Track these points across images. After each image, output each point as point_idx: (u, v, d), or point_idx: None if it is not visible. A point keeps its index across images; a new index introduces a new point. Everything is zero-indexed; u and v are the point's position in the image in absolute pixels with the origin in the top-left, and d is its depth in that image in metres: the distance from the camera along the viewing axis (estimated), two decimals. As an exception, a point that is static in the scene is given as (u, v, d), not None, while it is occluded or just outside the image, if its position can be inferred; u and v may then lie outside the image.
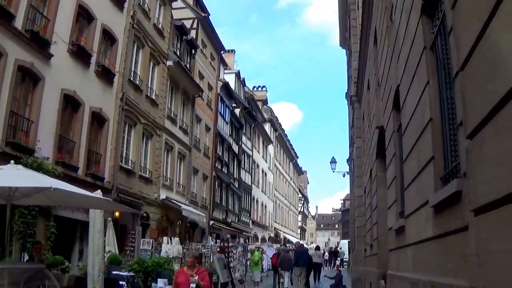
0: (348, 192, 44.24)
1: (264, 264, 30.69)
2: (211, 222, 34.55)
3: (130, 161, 23.60)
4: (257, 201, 51.74)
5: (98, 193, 12.34)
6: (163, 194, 26.44)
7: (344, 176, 37.30)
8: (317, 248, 31.45)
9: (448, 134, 5.24)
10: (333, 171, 36.09)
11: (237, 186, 42.62)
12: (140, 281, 14.89)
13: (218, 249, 21.79)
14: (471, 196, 3.35)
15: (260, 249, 29.92)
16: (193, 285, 7.77)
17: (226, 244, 22.21)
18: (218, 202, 37.20)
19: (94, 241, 12.36)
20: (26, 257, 15.39)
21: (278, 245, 37.45)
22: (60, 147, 18.40)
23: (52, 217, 17.68)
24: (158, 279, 14.09)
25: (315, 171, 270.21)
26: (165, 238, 21.24)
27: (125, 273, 17.11)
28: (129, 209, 12.84)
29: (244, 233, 43.67)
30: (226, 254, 20.56)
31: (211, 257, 19.50)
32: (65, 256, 17.01)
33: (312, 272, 27.18)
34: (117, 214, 21.19)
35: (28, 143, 16.56)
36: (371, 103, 16.26)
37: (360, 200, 21.66)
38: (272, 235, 58.56)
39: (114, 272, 16.35)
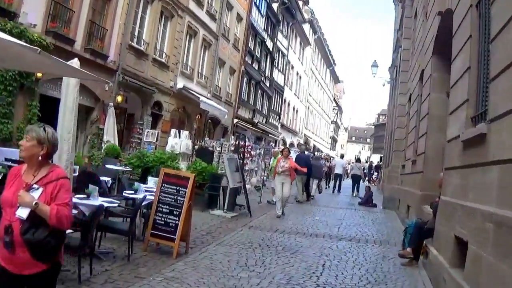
0: (384, 107, 42.09)
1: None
2: (235, 121, 31.10)
3: (143, 41, 19.97)
4: (288, 104, 47.78)
5: (74, 62, 9.00)
6: (180, 83, 22.87)
7: (384, 85, 34.09)
8: (358, 160, 29.04)
9: None
10: (374, 76, 32.03)
11: (268, 85, 38.61)
12: (125, 179, 11.65)
13: (232, 148, 18.32)
14: None
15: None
16: (23, 213, 3.11)
17: (242, 143, 18.63)
18: (245, 99, 33.50)
19: (64, 123, 9.21)
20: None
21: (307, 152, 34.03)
22: (54, 15, 15.11)
23: (37, 96, 14.62)
24: (149, 178, 10.89)
25: (352, 84, 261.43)
26: (172, 131, 17.92)
27: (120, 167, 14.44)
28: (93, 77, 9.27)
29: (271, 135, 40.26)
30: (242, 155, 17.15)
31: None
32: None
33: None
34: (119, 99, 18.04)
35: (12, 5, 13.32)
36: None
37: (402, 109, 19.13)
38: (302, 141, 55.15)
39: (107, 166, 13.91)
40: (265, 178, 19.76)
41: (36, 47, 5.78)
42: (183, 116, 24.80)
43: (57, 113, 9.45)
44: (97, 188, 8.13)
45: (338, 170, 26.56)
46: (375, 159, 47.14)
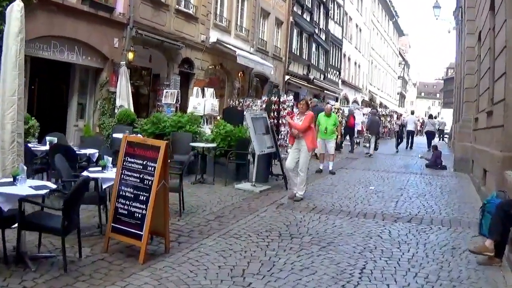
0: (453, 61, 38.85)
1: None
2: (287, 77, 27.06)
3: (161, -11, 16.40)
4: (349, 58, 42.89)
5: (15, 4, 6.59)
6: (213, 37, 19.14)
7: (449, 32, 29.90)
8: (430, 116, 28.21)
9: None
10: (437, 19, 27.40)
11: (323, 38, 34.14)
12: (106, 151, 8.45)
13: (263, 106, 14.58)
14: None
15: (341, 111, 22.46)
16: None
17: (276, 99, 14.75)
18: (297, 54, 29.28)
19: (5, 83, 6.70)
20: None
21: (367, 108, 29.80)
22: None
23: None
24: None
25: (418, 38, 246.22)
26: (195, 89, 14.48)
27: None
28: None
29: (330, 92, 35.90)
30: (275, 114, 13.44)
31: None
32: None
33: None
34: (130, 56, 14.76)
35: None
36: None
37: (471, 52, 15.69)
38: (367, 98, 50.19)
39: (114, 135, 11.97)
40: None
41: None
42: (222, 75, 21.24)
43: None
44: (25, 168, 5.52)
45: (410, 127, 25.37)
46: (447, 114, 43.07)
